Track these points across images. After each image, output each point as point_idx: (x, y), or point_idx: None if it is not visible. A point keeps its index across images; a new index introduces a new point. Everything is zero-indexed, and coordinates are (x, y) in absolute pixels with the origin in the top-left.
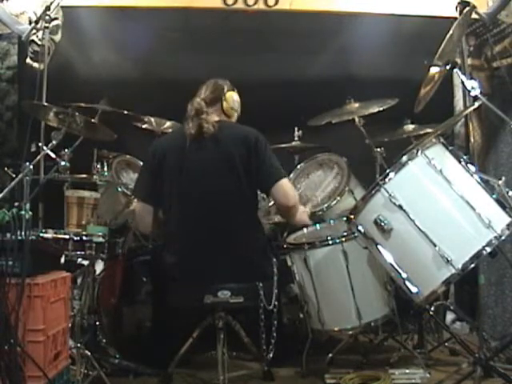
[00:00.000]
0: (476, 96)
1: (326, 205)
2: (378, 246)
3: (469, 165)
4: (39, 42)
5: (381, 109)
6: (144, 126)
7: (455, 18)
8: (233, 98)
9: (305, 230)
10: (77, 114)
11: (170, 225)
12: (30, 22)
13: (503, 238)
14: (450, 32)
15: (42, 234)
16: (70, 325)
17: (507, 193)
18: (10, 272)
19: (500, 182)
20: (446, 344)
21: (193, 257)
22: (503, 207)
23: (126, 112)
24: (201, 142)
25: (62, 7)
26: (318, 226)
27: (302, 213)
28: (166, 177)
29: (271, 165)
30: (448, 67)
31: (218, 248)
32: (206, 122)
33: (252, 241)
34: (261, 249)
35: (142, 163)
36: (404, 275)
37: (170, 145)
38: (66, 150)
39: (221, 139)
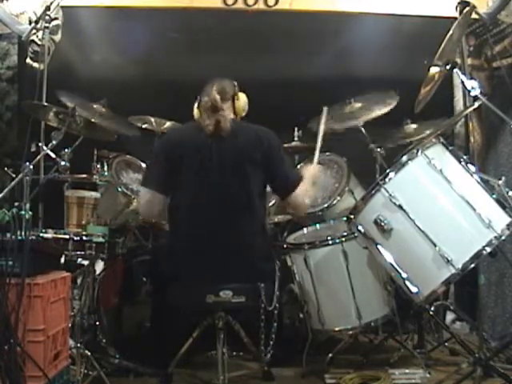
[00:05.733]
0: (476, 96)
1: (326, 205)
2: (378, 246)
3: (469, 165)
4: (39, 42)
5: (383, 111)
6: (144, 126)
7: (455, 18)
8: (244, 98)
9: (305, 230)
10: (77, 114)
11: (177, 224)
12: (30, 22)
13: (503, 238)
14: (450, 32)
15: (42, 234)
16: (70, 325)
17: (507, 193)
18: (9, 272)
19: (500, 182)
20: (446, 344)
21: (195, 256)
22: (503, 207)
23: (121, 116)
24: (219, 140)
25: (62, 7)
26: (318, 225)
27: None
28: (183, 172)
29: (286, 172)
30: (448, 67)
31: (220, 248)
32: (223, 119)
33: (256, 241)
34: (264, 250)
35: (144, 162)
36: (404, 275)
37: (187, 139)
38: (66, 150)
39: (238, 139)
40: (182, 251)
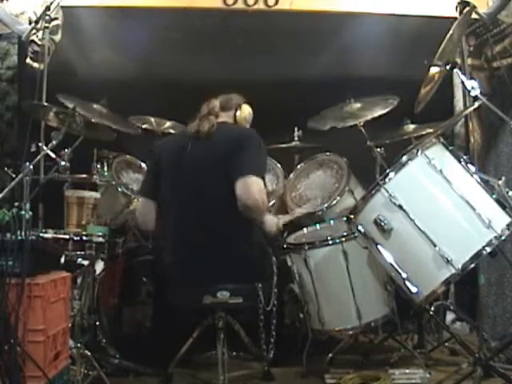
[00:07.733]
0: (476, 96)
1: (326, 205)
2: (378, 246)
3: (469, 165)
4: (39, 42)
5: (383, 112)
6: (144, 126)
7: (455, 18)
8: (247, 109)
9: (305, 229)
10: (77, 114)
11: (168, 226)
12: (30, 22)
13: (503, 238)
14: (450, 32)
15: (42, 234)
16: (70, 325)
17: (507, 193)
18: (10, 272)
19: (500, 182)
20: (446, 344)
21: (191, 257)
22: (503, 207)
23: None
24: (197, 143)
25: (62, 7)
26: (317, 226)
27: (270, 220)
28: (163, 176)
29: (248, 159)
30: (448, 67)
31: (216, 248)
32: (207, 123)
33: (250, 241)
34: (259, 249)
35: (144, 162)
36: (404, 275)
37: (169, 144)
38: (66, 150)
39: (215, 139)
40: (173, 254)
